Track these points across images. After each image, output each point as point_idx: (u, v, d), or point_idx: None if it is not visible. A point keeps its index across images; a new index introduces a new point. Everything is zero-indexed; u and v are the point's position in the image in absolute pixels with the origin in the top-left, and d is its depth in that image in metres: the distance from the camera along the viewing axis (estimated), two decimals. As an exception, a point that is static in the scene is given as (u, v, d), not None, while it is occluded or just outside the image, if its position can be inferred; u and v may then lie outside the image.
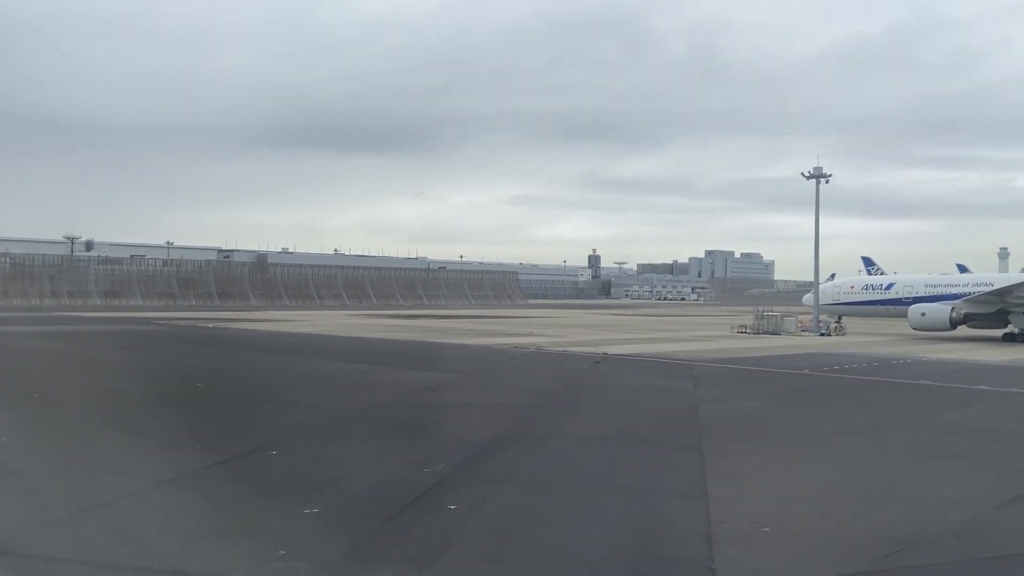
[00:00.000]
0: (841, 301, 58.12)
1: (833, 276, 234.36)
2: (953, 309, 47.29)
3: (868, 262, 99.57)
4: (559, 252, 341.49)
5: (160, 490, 10.56)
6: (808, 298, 62.90)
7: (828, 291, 59.14)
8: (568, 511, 9.85)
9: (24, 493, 10.62)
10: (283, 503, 10.10)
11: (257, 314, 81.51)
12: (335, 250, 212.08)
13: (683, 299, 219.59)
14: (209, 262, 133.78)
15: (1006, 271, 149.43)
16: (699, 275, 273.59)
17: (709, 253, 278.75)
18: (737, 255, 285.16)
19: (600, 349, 36.83)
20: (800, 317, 58.52)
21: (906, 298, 52.73)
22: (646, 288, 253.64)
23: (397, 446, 14.07)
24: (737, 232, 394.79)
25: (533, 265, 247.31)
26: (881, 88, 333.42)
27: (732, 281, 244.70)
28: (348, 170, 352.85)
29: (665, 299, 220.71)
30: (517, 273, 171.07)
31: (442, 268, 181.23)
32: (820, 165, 55.24)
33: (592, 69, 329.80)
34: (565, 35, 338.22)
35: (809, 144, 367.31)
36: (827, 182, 55.16)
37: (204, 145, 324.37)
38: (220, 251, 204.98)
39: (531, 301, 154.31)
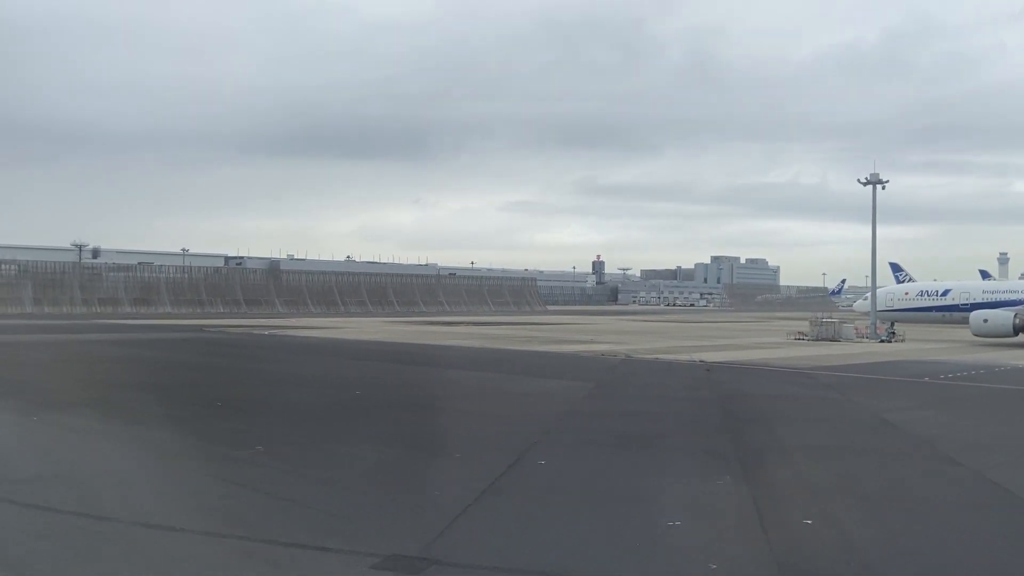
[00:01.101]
0: (895, 307, 58.57)
1: (844, 282, 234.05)
2: (1016, 315, 47.89)
3: (896, 268, 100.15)
4: (556, 258, 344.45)
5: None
6: (860, 304, 63.44)
7: (881, 297, 59.60)
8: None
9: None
10: (636, 510, 10.46)
11: (293, 321, 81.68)
12: (347, 257, 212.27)
13: (692, 305, 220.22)
14: (235, 270, 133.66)
15: (1006, 276, 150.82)
16: (705, 281, 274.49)
17: (715, 259, 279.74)
18: (742, 260, 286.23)
19: (685, 357, 37.30)
20: (855, 324, 58.97)
21: (963, 304, 53.33)
22: (653, 294, 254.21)
23: (655, 458, 14.39)
24: (735, 238, 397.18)
25: (540, 271, 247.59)
26: (877, 94, 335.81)
27: (739, 287, 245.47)
28: (345, 176, 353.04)
29: (674, 305, 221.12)
30: (536, 280, 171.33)
31: (452, 274, 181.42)
32: (876, 171, 55.87)
33: (589, 75, 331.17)
34: (562, 41, 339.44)
35: (806, 150, 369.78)
36: (883, 188, 55.74)
37: (201, 152, 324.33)
38: (227, 258, 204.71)
39: (549, 307, 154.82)
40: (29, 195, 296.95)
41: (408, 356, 38.09)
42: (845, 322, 58.56)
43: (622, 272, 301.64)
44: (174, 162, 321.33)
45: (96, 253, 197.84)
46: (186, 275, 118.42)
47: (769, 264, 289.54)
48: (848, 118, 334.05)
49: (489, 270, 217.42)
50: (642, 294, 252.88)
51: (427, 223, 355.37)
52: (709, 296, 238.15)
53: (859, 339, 54.23)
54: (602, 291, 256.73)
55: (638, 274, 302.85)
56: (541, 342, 48.92)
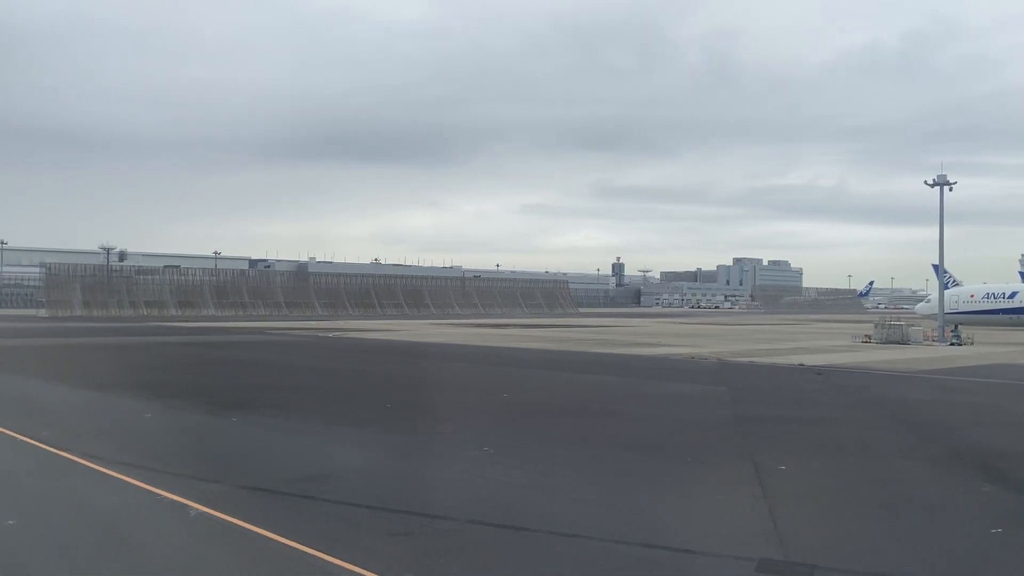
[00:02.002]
0: (959, 310, 58.59)
1: (871, 284, 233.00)
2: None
3: (939, 270, 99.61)
4: (572, 260, 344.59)
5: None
6: (922, 307, 63.42)
7: (945, 299, 59.55)
8: None
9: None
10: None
11: (341, 323, 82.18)
12: (376, 259, 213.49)
13: (716, 307, 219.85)
14: (273, 273, 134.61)
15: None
16: (727, 283, 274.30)
17: (738, 261, 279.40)
18: (765, 263, 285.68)
19: (780, 360, 37.52)
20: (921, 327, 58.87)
21: (1034, 307, 53.38)
22: (676, 296, 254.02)
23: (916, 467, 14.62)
24: (753, 240, 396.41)
25: (563, 273, 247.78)
26: (896, 95, 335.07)
27: (762, 289, 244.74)
28: (363, 180, 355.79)
29: (698, 307, 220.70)
30: (568, 282, 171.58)
31: (477, 276, 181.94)
32: (944, 173, 55.90)
33: (606, 78, 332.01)
34: (580, 45, 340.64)
35: (822, 152, 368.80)
36: (951, 190, 55.76)
37: (222, 157, 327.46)
38: (252, 261, 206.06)
39: (581, 310, 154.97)
40: (54, 199, 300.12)
41: (504, 359, 38.40)
42: (912, 325, 58.46)
43: (642, 274, 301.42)
44: (195, 166, 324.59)
45: (123, 256, 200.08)
46: (228, 279, 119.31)
47: (792, 266, 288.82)
48: (867, 120, 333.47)
49: (512, 272, 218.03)
50: (665, 296, 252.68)
51: (443, 226, 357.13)
52: (734, 298, 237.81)
53: (927, 342, 54.17)
54: (624, 293, 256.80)
55: (658, 276, 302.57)
56: (614, 345, 49.13)
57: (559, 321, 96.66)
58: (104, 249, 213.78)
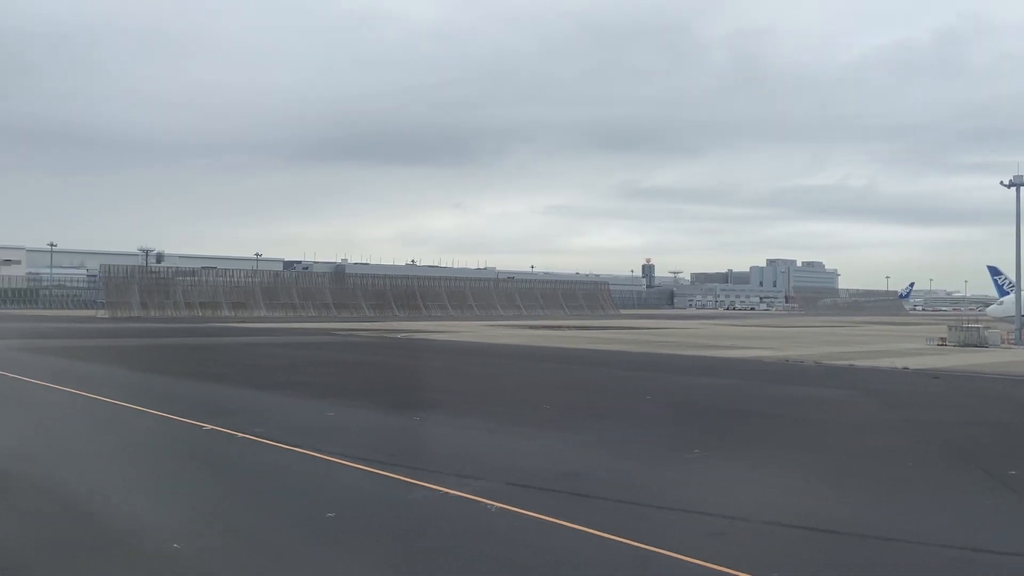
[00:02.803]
0: (1036, 313, 57.69)
1: (912, 286, 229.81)
2: None
3: (995, 272, 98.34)
4: (596, 262, 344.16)
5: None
6: (994, 309, 62.69)
7: (1014, 302, 58.72)
8: None
9: None
10: None
11: (394, 324, 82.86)
12: (412, 261, 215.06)
13: (752, 309, 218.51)
14: (325, 275, 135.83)
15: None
16: (760, 284, 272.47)
17: (771, 262, 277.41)
18: (798, 264, 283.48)
19: (881, 363, 37.41)
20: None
21: (1115, 310, 52.50)
22: (709, 298, 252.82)
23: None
24: (781, 240, 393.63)
25: (596, 275, 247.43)
26: (928, 94, 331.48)
27: (796, 290, 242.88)
28: (388, 182, 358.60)
29: (734, 309, 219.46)
30: (608, 284, 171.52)
31: (510, 278, 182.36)
32: (1021, 173, 55.19)
33: (632, 79, 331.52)
34: (605, 46, 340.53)
35: (852, 152, 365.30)
36: (1031, 190, 54.95)
37: (250, 159, 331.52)
38: (286, 262, 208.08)
39: (622, 312, 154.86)
40: (89, 202, 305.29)
41: (598, 360, 38.57)
42: (990, 328, 57.85)
43: (672, 276, 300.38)
44: (223, 169, 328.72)
45: (160, 258, 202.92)
46: (278, 280, 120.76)
47: (826, 267, 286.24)
48: (898, 119, 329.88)
49: (546, 274, 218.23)
50: (698, 298, 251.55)
51: (468, 227, 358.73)
52: (769, 300, 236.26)
53: (1004, 345, 53.60)
54: (656, 294, 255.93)
55: (688, 278, 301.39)
56: (690, 347, 49.15)
57: (606, 323, 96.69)
58: (143, 251, 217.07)
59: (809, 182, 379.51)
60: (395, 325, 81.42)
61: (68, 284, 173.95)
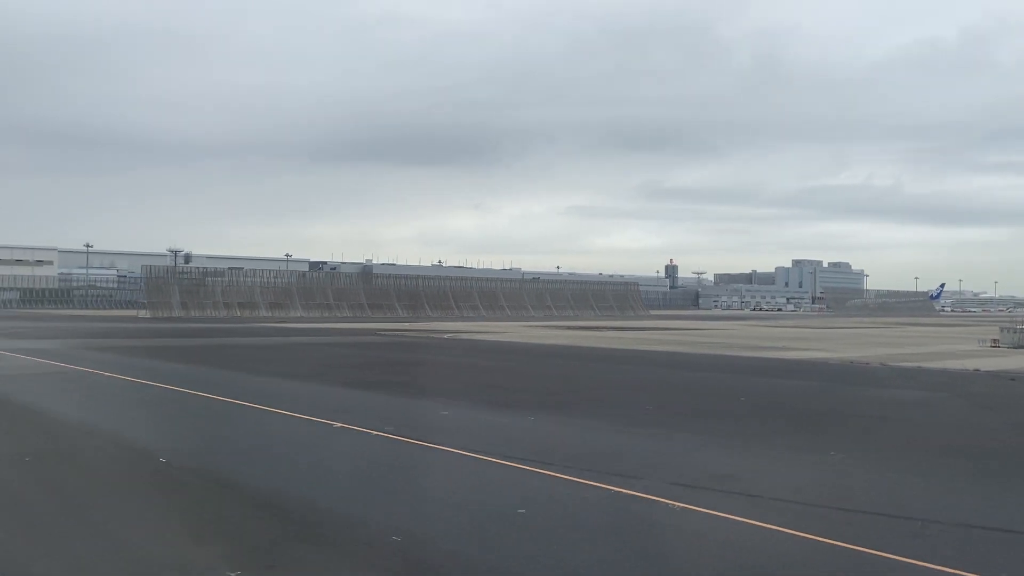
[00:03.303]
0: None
1: (943, 287, 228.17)
2: None
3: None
4: (617, 262, 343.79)
5: None
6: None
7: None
8: None
9: None
10: None
11: (432, 325, 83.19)
12: (440, 262, 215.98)
13: (779, 310, 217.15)
14: (359, 276, 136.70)
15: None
16: (786, 285, 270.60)
17: (797, 262, 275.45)
18: (825, 264, 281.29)
19: (942, 365, 37.17)
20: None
21: None
22: (735, 298, 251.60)
23: None
24: (804, 241, 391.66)
25: (621, 276, 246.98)
26: (953, 93, 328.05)
27: (827, 291, 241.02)
28: (409, 183, 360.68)
29: (760, 310, 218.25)
30: (638, 285, 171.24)
31: (536, 279, 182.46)
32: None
33: (654, 79, 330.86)
34: (627, 46, 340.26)
35: (876, 151, 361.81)
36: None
37: (272, 160, 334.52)
38: (312, 263, 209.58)
39: (652, 312, 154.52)
40: (114, 203, 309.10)
41: (658, 362, 38.43)
42: (1046, 329, 57.13)
43: (696, 276, 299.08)
44: (247, 170, 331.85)
45: (188, 258, 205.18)
46: (314, 281, 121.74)
47: (852, 268, 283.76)
48: (923, 118, 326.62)
49: (571, 274, 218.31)
50: (723, 298, 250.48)
51: (488, 227, 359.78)
52: (796, 300, 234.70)
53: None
54: (680, 295, 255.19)
55: (711, 278, 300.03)
56: (741, 348, 48.93)
57: (640, 323, 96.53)
58: (172, 251, 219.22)
59: (832, 182, 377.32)
60: (433, 325, 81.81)
61: (99, 284, 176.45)
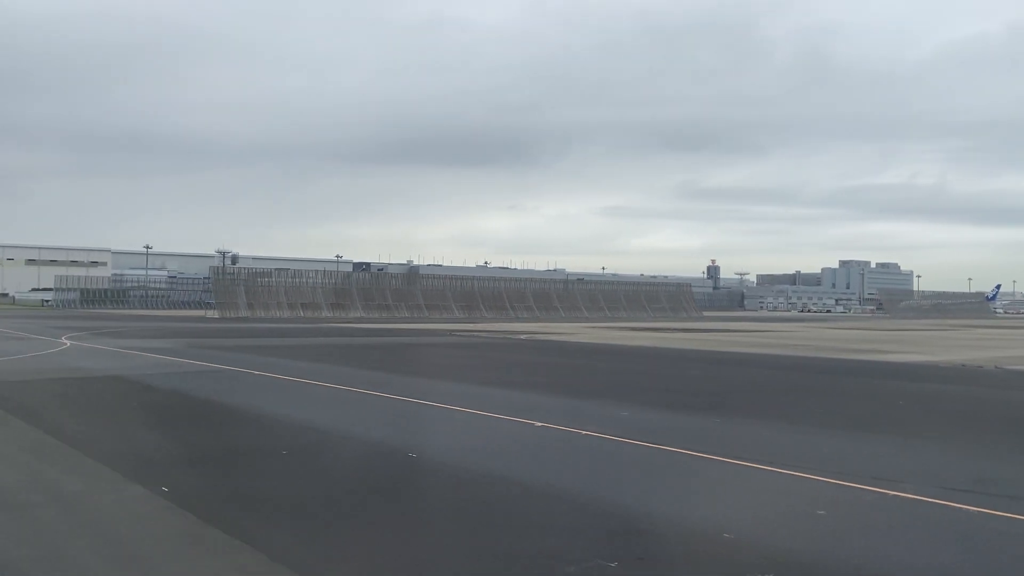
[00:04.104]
0: None
1: (999, 288, 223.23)
2: None
3: None
4: (654, 263, 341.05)
5: None
6: None
7: None
8: None
9: None
10: None
11: (494, 325, 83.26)
12: (486, 263, 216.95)
13: (828, 311, 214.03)
14: (419, 276, 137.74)
15: None
16: (833, 286, 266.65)
17: (844, 263, 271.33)
18: (872, 265, 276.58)
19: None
20: None
21: None
22: (780, 299, 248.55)
23: None
24: (846, 241, 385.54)
25: (665, 276, 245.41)
26: (1004, 89, 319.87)
27: (885, 293, 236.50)
28: (445, 184, 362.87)
29: (808, 311, 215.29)
30: (691, 286, 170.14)
31: (580, 280, 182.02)
32: None
33: (694, 78, 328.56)
34: (667, 45, 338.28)
35: (920, 150, 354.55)
36: None
37: (312, 162, 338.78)
38: (356, 264, 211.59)
39: (705, 314, 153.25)
40: (160, 204, 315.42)
41: (771, 363, 37.91)
42: None
43: (738, 277, 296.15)
44: (287, 173, 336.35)
45: (235, 259, 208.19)
46: (372, 281, 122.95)
47: (901, 268, 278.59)
48: (970, 116, 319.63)
49: (615, 275, 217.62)
50: (769, 299, 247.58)
51: (524, 228, 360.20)
52: (845, 302, 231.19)
53: None
54: (724, 296, 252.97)
55: (754, 279, 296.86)
56: (839, 351, 48.21)
57: (702, 325, 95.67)
58: (220, 253, 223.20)
59: (875, 181, 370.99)
60: (497, 326, 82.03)
61: (151, 285, 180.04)
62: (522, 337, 60.79)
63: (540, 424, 17.09)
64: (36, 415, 17.55)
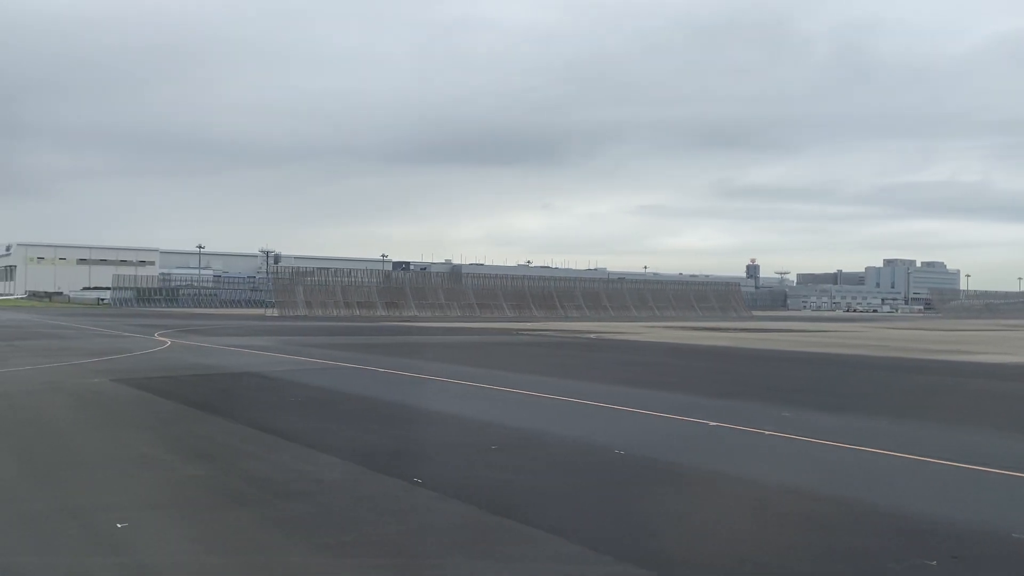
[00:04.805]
0: None
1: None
2: None
3: None
4: (692, 262, 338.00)
5: None
6: None
7: None
8: None
9: None
10: None
11: (551, 324, 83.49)
12: (528, 261, 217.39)
13: (875, 311, 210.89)
14: (469, 276, 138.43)
15: None
16: (877, 285, 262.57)
17: (888, 262, 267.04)
18: (918, 264, 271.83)
19: None
20: None
21: None
22: (824, 299, 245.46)
23: None
24: (886, 239, 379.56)
25: (706, 275, 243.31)
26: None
27: (930, 292, 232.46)
28: (478, 183, 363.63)
29: (854, 311, 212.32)
30: (739, 285, 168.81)
31: (621, 279, 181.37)
32: None
33: (729, 76, 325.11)
34: (701, 43, 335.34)
35: (962, 147, 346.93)
36: None
37: (347, 163, 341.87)
38: (395, 263, 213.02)
39: (754, 313, 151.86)
40: (203, 204, 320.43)
41: (856, 363, 37.48)
42: None
43: (779, 276, 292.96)
44: (326, 174, 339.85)
45: (278, 259, 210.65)
46: (426, 280, 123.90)
47: (947, 267, 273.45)
48: (1014, 112, 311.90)
49: (656, 275, 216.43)
50: (812, 299, 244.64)
51: (557, 228, 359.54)
52: (892, 301, 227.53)
53: None
54: (765, 295, 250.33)
55: (794, 278, 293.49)
56: (919, 352, 47.49)
57: (756, 325, 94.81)
58: (264, 252, 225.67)
59: (915, 179, 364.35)
60: (556, 325, 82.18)
61: (198, 284, 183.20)
62: (591, 336, 60.81)
63: (714, 424, 17.17)
64: (222, 411, 18.00)
